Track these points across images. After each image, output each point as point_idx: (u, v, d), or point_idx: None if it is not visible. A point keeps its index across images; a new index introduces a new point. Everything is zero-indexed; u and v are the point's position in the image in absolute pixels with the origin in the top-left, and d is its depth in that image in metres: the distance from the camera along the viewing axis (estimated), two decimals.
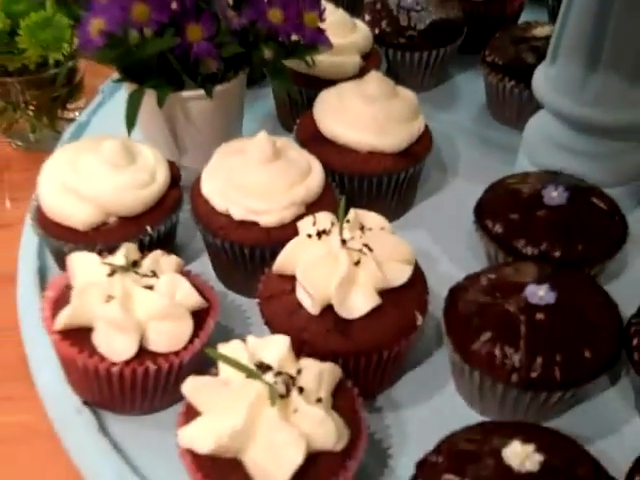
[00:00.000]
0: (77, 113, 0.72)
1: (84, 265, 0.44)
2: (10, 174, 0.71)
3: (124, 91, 0.57)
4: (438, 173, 0.62)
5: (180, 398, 0.40)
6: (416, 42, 0.68)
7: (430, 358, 0.48)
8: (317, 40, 0.55)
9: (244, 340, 0.41)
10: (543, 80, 0.57)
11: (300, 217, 0.48)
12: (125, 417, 0.44)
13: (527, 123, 0.61)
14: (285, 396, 0.37)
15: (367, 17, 0.69)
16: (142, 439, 0.44)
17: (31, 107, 0.71)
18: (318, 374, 0.38)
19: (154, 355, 0.42)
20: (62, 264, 0.51)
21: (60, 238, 0.49)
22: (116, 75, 0.57)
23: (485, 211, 0.52)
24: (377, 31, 0.67)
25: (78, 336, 0.42)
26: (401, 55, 0.68)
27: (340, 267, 0.42)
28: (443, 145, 0.64)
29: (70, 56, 0.66)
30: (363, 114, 0.54)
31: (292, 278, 0.44)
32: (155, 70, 0.54)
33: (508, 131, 0.66)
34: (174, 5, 0.52)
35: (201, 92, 0.54)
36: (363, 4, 0.73)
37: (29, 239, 0.55)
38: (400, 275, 0.44)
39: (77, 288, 0.43)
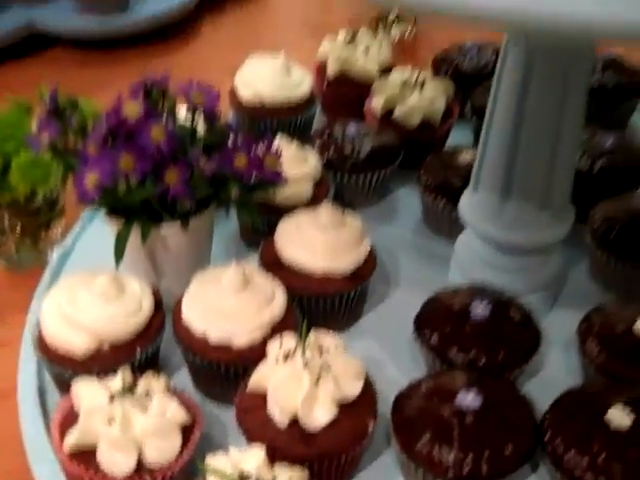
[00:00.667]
0: (58, 234, 0.80)
1: (87, 391, 0.52)
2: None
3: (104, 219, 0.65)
4: (382, 286, 0.71)
5: None
6: (359, 166, 0.78)
7: (381, 456, 0.57)
8: (275, 179, 0.65)
9: (226, 450, 0.49)
10: (467, 205, 0.67)
11: (267, 337, 0.57)
12: None
13: (457, 239, 0.71)
14: None
15: (316, 145, 0.79)
16: None
17: (16, 231, 0.78)
18: None
19: (150, 470, 0.50)
20: (61, 385, 0.58)
21: (60, 364, 0.57)
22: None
23: (423, 323, 0.62)
24: (325, 157, 0.78)
25: (84, 455, 0.50)
26: (347, 177, 0.78)
27: (303, 386, 0.51)
28: (386, 258, 0.74)
29: (55, 189, 0.75)
30: (317, 242, 0.64)
31: (264, 395, 0.53)
32: (138, 209, 0.63)
33: (444, 243, 0.76)
34: (155, 155, 0.62)
35: (177, 226, 0.63)
36: (312, 133, 0.83)
37: (27, 359, 0.63)
38: (354, 389, 0.53)
39: (82, 414, 0.51)
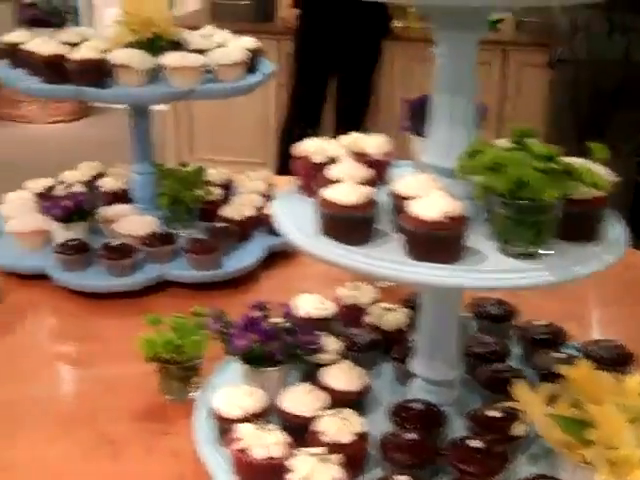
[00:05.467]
0: (196, 384, 1.56)
1: (244, 427, 1.27)
2: (166, 411, 1.54)
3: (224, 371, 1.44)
4: None
5: None
6: (361, 350, 1.57)
7: None
8: (317, 350, 1.45)
9: None
10: (414, 363, 1.45)
11: None
12: None
13: (411, 383, 1.48)
14: None
15: (337, 334, 1.59)
16: None
17: (175, 383, 1.56)
18: None
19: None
20: (223, 433, 1.33)
21: (226, 424, 1.32)
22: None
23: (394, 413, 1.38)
24: (344, 343, 1.57)
25: (243, 451, 1.24)
26: (357, 355, 1.57)
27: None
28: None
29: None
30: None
31: None
32: (256, 360, 1.41)
33: (406, 386, 1.53)
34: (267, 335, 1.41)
35: (274, 368, 1.41)
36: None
37: (201, 430, 1.37)
38: None
39: (243, 434, 1.26)
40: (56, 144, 5.97)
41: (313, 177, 1.35)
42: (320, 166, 1.37)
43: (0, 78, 2.02)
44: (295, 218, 1.30)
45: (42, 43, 1.91)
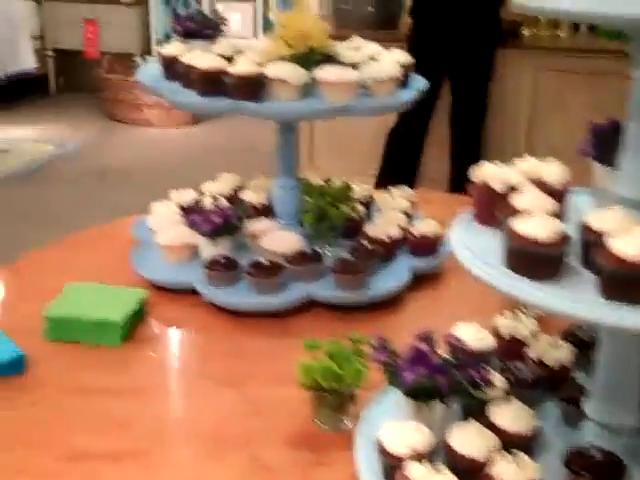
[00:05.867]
0: (351, 415, 1.52)
1: (414, 467, 1.22)
2: (319, 439, 1.50)
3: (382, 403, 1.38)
4: None
5: None
6: (521, 385, 1.50)
7: None
8: (488, 385, 1.38)
9: None
10: (589, 407, 1.37)
11: None
12: None
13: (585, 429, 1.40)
14: None
15: (498, 369, 1.52)
16: None
17: (330, 411, 1.52)
18: None
19: None
20: (388, 471, 1.28)
21: (392, 460, 1.27)
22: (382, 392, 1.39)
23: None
24: (508, 379, 1.50)
25: None
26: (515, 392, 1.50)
27: None
28: None
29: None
30: None
31: None
32: (422, 394, 1.36)
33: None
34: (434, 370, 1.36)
35: (438, 403, 1.35)
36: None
37: (365, 462, 1.33)
38: None
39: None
40: (177, 148, 6.10)
41: (494, 205, 1.29)
42: (500, 194, 1.31)
43: (157, 91, 2.04)
44: (474, 248, 1.25)
45: (199, 56, 1.92)
